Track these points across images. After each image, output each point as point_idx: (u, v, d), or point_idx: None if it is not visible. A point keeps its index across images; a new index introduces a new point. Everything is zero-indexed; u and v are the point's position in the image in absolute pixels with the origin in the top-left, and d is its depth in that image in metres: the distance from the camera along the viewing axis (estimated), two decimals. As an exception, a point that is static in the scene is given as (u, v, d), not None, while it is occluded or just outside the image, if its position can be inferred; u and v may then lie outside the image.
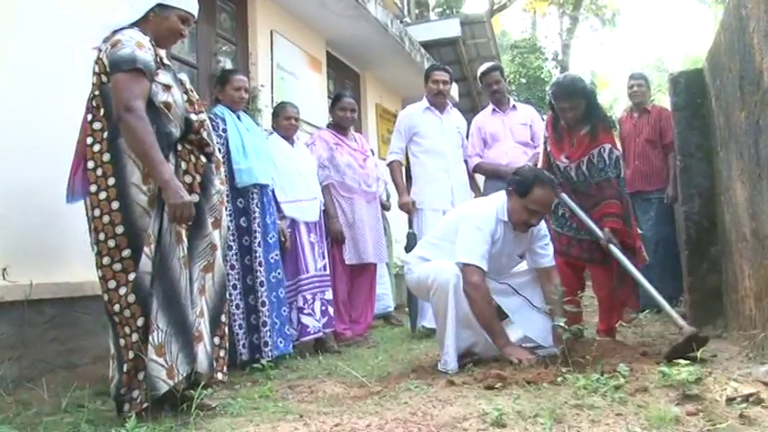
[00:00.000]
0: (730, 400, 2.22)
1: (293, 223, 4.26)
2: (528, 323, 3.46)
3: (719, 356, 3.11)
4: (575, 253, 3.79)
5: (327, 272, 4.44)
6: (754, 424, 2.02)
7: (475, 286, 3.26)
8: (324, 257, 4.43)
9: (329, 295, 4.38)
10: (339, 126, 4.93)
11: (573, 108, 3.70)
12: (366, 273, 4.91)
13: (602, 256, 3.73)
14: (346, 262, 4.73)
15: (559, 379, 2.73)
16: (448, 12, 15.83)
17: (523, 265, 3.67)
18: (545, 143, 3.99)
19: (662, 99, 13.45)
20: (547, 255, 3.55)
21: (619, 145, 5.91)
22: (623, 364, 2.75)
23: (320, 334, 4.25)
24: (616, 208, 3.65)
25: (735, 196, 3.37)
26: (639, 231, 5.27)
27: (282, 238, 4.05)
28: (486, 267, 3.31)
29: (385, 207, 5.74)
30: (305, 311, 4.18)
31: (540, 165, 4.04)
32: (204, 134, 2.63)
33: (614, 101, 27.78)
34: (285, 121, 4.46)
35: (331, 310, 4.38)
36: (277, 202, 4.16)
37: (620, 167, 3.76)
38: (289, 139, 4.46)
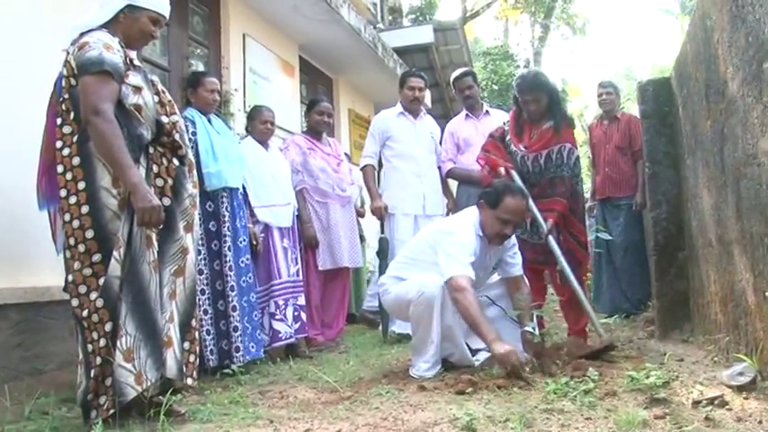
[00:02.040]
0: (696, 404, 2.27)
1: (266, 228, 4.23)
2: (502, 333, 3.46)
3: (686, 360, 3.17)
4: (529, 256, 3.82)
5: (300, 277, 4.41)
6: (719, 426, 2.05)
7: (461, 288, 3.11)
8: (297, 263, 4.40)
9: (302, 301, 4.35)
10: (314, 131, 4.91)
11: (536, 101, 3.82)
12: (339, 277, 4.90)
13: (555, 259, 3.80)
14: (320, 267, 4.70)
15: (529, 383, 2.75)
16: (421, 18, 15.86)
17: (494, 276, 3.70)
18: (505, 134, 4.07)
19: (631, 107, 13.65)
20: (516, 264, 3.60)
21: (588, 151, 6.03)
22: (592, 369, 2.79)
23: (292, 340, 4.22)
24: (561, 206, 3.80)
25: (701, 203, 3.43)
26: (608, 237, 5.41)
27: (254, 242, 4.02)
28: (473, 275, 3.22)
29: (360, 214, 5.74)
30: (277, 317, 4.15)
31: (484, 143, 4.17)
32: (176, 136, 2.61)
33: (585, 108, 28.13)
34: (261, 125, 4.43)
35: (304, 315, 4.34)
36: (250, 207, 4.14)
37: (579, 168, 3.92)
38: (263, 143, 4.43)
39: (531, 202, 3.72)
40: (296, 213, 4.51)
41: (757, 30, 2.29)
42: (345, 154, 5.41)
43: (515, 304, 3.52)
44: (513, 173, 3.85)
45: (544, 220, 3.74)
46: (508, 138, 4.00)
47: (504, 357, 2.90)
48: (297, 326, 4.26)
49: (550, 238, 3.75)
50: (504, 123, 4.12)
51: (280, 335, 4.14)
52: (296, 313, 4.27)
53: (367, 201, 5.59)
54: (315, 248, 4.69)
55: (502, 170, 3.86)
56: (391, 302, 3.56)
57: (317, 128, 4.89)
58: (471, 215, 3.52)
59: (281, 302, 4.19)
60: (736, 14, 2.54)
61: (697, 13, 3.35)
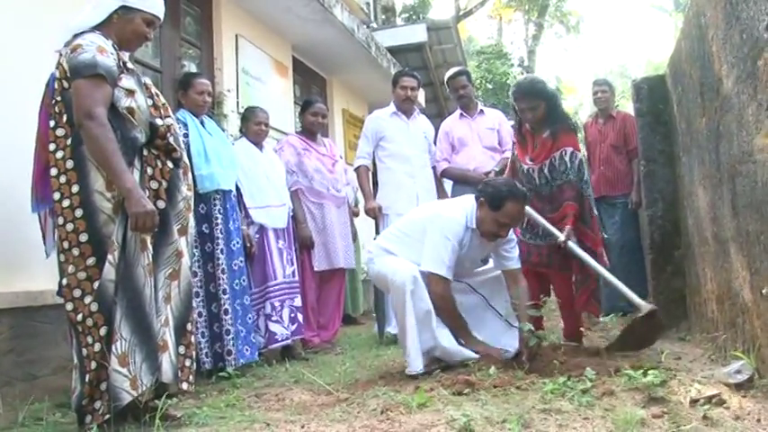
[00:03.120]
0: (694, 402, 2.26)
1: (261, 229, 4.21)
2: (481, 323, 3.47)
3: (683, 359, 3.17)
4: (534, 260, 3.79)
5: (296, 278, 4.39)
6: (717, 425, 2.05)
7: (440, 297, 3.32)
8: (293, 264, 4.39)
9: (298, 302, 4.33)
10: (308, 131, 4.90)
11: (531, 109, 3.75)
12: (335, 278, 4.88)
13: (560, 262, 3.76)
14: (315, 268, 4.69)
15: (527, 383, 2.74)
16: (414, 17, 15.84)
17: (488, 265, 3.69)
18: (513, 148, 4.02)
19: (626, 105, 13.68)
20: (512, 257, 3.57)
21: (584, 149, 6.02)
22: (590, 368, 2.78)
23: (288, 341, 4.21)
24: (573, 209, 3.68)
25: (697, 201, 3.42)
26: (605, 236, 5.38)
27: (248, 244, 4.00)
28: (452, 277, 3.36)
29: (354, 213, 5.73)
30: (273, 319, 4.13)
31: (506, 172, 4.08)
32: (171, 139, 2.59)
33: (579, 106, 28.13)
34: (255, 127, 4.41)
35: (300, 316, 4.33)
36: (245, 208, 4.12)
37: (584, 170, 3.79)
38: (258, 144, 4.42)
39: (537, 216, 3.68)
40: (291, 214, 4.49)
41: (751, 27, 2.29)
42: (339, 155, 5.39)
43: (513, 300, 3.52)
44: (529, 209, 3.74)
45: (560, 229, 3.62)
46: (515, 153, 3.95)
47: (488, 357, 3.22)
48: (293, 327, 4.24)
49: (570, 243, 3.59)
50: (513, 146, 4.06)
51: (276, 336, 4.12)
52: (292, 315, 4.25)
53: (361, 200, 5.58)
54: (310, 249, 4.68)
55: None
56: (374, 275, 3.61)
57: (312, 128, 4.87)
58: (467, 204, 3.49)
59: (276, 304, 4.17)
60: (730, 12, 2.54)
61: (691, 11, 3.35)
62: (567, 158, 3.71)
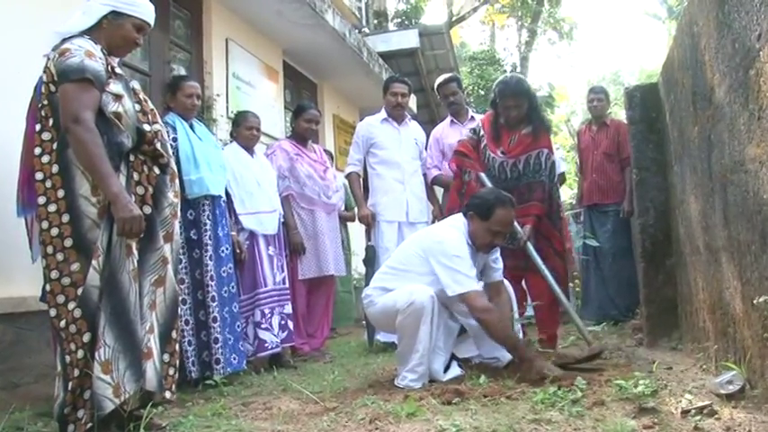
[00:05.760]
0: (685, 413, 2.25)
1: (252, 236, 4.17)
2: (482, 338, 3.43)
3: (675, 369, 3.15)
4: (509, 263, 3.81)
5: (287, 285, 4.35)
6: (709, 436, 2.04)
7: (485, 309, 3.21)
8: (283, 270, 4.34)
9: (288, 309, 4.29)
10: (300, 137, 4.86)
11: (517, 107, 3.89)
12: (323, 286, 4.84)
13: (534, 264, 3.82)
14: (300, 276, 4.62)
15: (517, 393, 2.72)
16: (407, 23, 15.82)
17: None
18: (479, 138, 4.08)
19: (618, 112, 13.72)
20: (498, 269, 3.60)
21: (576, 157, 6.03)
22: (580, 378, 2.76)
23: (278, 349, 4.16)
24: (538, 210, 3.88)
25: (688, 210, 3.42)
26: (596, 244, 5.40)
27: (237, 251, 3.95)
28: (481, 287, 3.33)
29: (349, 218, 5.72)
30: (262, 326, 4.08)
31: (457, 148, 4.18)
32: (158, 145, 2.57)
33: (572, 113, 28.23)
34: (247, 131, 4.37)
35: (290, 324, 4.29)
36: (235, 214, 4.08)
37: (555, 172, 4.01)
38: (249, 149, 4.38)
39: None
40: (282, 220, 4.45)
41: (743, 36, 2.28)
42: (329, 153, 5.37)
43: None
44: (483, 176, 3.92)
45: (521, 225, 3.78)
46: (483, 144, 4.01)
47: (542, 371, 2.98)
48: (283, 335, 4.20)
49: (529, 244, 3.79)
50: (477, 130, 4.10)
51: (266, 344, 4.07)
52: (282, 322, 4.20)
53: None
54: (300, 256, 4.63)
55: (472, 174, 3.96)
56: (377, 313, 3.48)
57: (305, 135, 4.84)
58: (458, 223, 3.48)
59: (266, 311, 4.12)
60: (722, 21, 2.53)
61: (684, 19, 3.34)
62: (542, 159, 3.89)
